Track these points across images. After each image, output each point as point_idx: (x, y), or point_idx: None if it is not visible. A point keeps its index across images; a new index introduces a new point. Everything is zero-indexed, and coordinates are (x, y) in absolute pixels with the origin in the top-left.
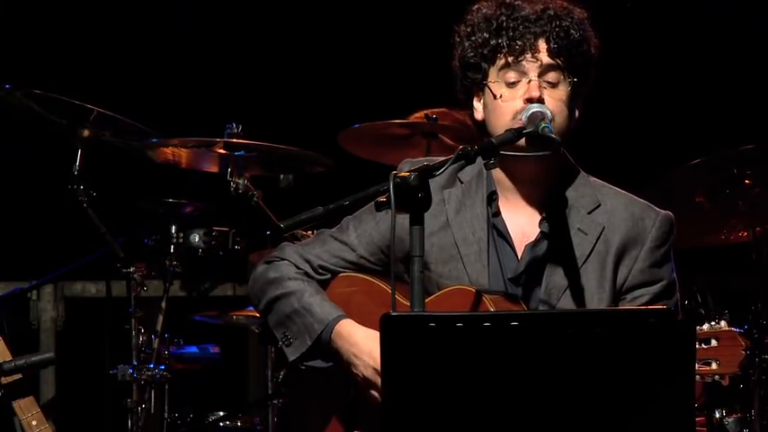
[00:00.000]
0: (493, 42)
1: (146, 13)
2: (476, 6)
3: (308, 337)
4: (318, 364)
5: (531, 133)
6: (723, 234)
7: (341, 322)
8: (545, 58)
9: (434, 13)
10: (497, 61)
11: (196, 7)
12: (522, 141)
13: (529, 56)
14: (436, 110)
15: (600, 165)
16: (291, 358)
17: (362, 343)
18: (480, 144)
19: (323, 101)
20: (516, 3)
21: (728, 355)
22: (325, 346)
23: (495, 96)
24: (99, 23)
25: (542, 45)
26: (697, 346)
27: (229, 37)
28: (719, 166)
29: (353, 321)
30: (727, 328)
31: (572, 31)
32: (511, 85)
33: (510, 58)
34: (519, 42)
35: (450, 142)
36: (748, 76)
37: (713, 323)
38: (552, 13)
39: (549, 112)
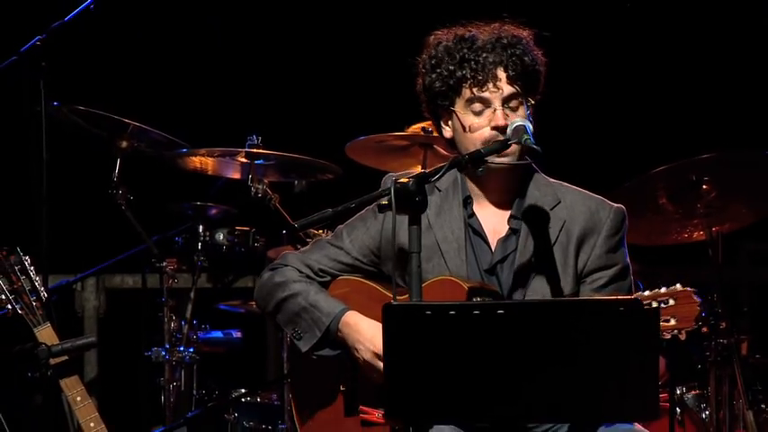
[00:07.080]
0: (458, 74)
1: (176, 38)
2: (433, 39)
3: (317, 329)
4: (327, 352)
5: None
6: (684, 233)
7: (348, 313)
8: (505, 86)
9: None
10: (463, 91)
11: (221, 32)
12: (508, 151)
13: (491, 86)
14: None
15: (571, 173)
16: (304, 350)
17: (366, 331)
18: (471, 154)
19: (333, 116)
20: (470, 34)
21: (685, 312)
22: (333, 336)
23: (464, 128)
24: (135, 48)
25: (501, 73)
26: (655, 305)
27: (251, 59)
28: (680, 173)
29: (358, 312)
30: (682, 288)
31: (525, 57)
32: (477, 114)
33: (475, 89)
34: (481, 74)
35: (444, 152)
36: (709, 89)
37: (670, 286)
38: (505, 41)
39: (530, 126)
